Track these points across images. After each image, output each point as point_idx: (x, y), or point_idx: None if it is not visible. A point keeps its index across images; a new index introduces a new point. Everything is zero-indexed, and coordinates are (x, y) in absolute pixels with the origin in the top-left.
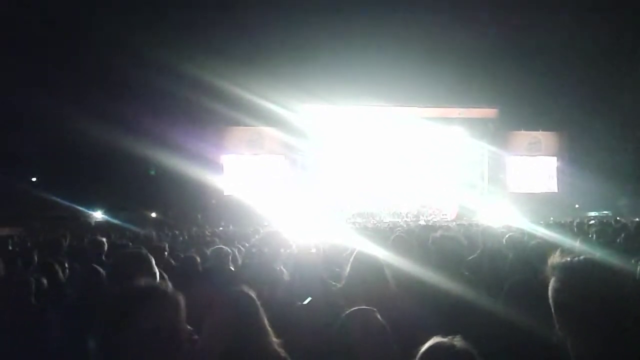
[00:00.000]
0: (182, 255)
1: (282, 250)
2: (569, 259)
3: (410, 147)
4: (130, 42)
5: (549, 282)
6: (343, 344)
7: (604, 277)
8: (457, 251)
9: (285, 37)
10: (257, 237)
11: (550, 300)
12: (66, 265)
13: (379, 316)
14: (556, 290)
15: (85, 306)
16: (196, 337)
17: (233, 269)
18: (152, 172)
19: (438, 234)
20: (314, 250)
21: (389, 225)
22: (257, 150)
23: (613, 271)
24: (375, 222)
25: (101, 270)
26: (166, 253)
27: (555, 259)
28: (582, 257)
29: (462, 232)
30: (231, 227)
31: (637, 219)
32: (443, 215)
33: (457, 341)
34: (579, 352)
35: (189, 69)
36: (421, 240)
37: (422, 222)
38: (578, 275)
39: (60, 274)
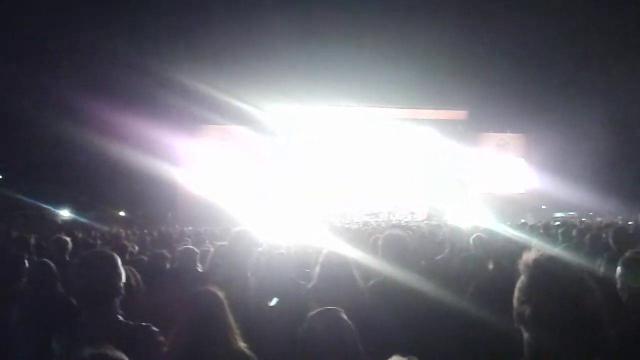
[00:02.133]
0: (149, 253)
1: (252, 250)
2: (540, 255)
3: (381, 147)
4: (99, 41)
5: (516, 279)
6: (309, 344)
7: (570, 274)
8: (402, 250)
9: (256, 36)
10: (227, 236)
11: (516, 295)
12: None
13: (344, 316)
14: (525, 285)
15: (41, 302)
16: (162, 338)
17: (200, 270)
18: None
19: (385, 233)
20: (284, 251)
21: (359, 225)
22: (228, 149)
23: (579, 269)
24: (346, 222)
25: (52, 264)
26: (132, 251)
27: (529, 255)
28: (552, 254)
29: (429, 231)
30: (202, 226)
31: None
32: (413, 215)
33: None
34: (537, 347)
35: (160, 67)
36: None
37: (393, 222)
38: (548, 270)
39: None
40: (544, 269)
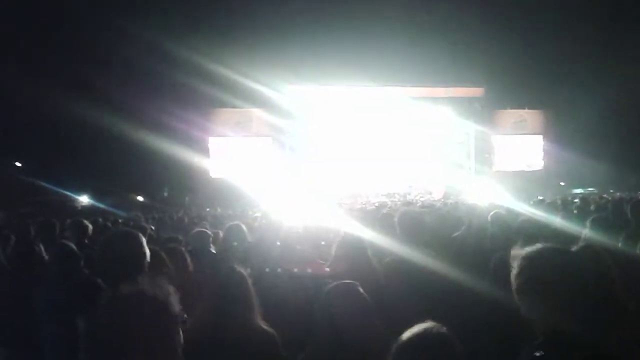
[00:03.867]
0: (166, 236)
1: (271, 230)
2: (527, 249)
3: (398, 126)
4: (117, 22)
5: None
6: (326, 316)
7: (555, 264)
8: (419, 227)
9: (272, 17)
10: (244, 218)
11: (513, 285)
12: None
13: (361, 289)
14: (515, 277)
15: (65, 283)
16: (185, 316)
17: (214, 251)
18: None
19: (401, 210)
20: (300, 231)
21: (376, 205)
22: (244, 132)
23: (567, 257)
24: (362, 202)
25: (72, 245)
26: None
27: (515, 251)
28: (538, 247)
29: (447, 210)
30: (219, 209)
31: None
32: (430, 194)
33: (436, 326)
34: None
35: (176, 49)
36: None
37: (409, 201)
38: (534, 262)
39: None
40: (531, 260)
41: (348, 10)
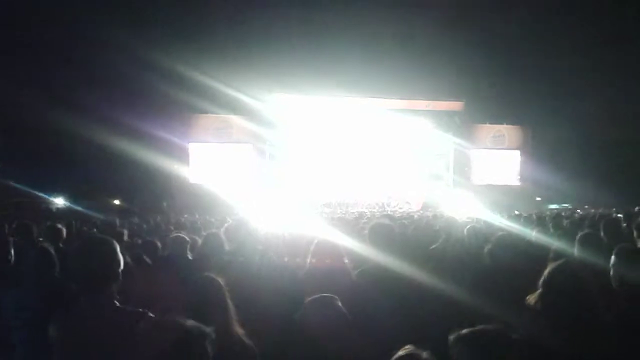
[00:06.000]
0: (141, 241)
1: (249, 239)
2: (465, 331)
3: (378, 138)
4: (95, 27)
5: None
6: (304, 330)
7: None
8: (389, 238)
9: (254, 25)
10: (223, 224)
11: None
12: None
13: (339, 303)
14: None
15: (38, 288)
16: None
17: (191, 257)
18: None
19: (372, 222)
20: (280, 240)
21: (355, 215)
22: (224, 138)
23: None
24: (342, 212)
25: (52, 251)
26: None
27: (455, 334)
28: (478, 329)
29: (425, 222)
30: (197, 216)
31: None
32: (409, 206)
33: (424, 353)
34: None
35: (156, 55)
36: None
37: (388, 212)
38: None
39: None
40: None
41: (330, 21)
